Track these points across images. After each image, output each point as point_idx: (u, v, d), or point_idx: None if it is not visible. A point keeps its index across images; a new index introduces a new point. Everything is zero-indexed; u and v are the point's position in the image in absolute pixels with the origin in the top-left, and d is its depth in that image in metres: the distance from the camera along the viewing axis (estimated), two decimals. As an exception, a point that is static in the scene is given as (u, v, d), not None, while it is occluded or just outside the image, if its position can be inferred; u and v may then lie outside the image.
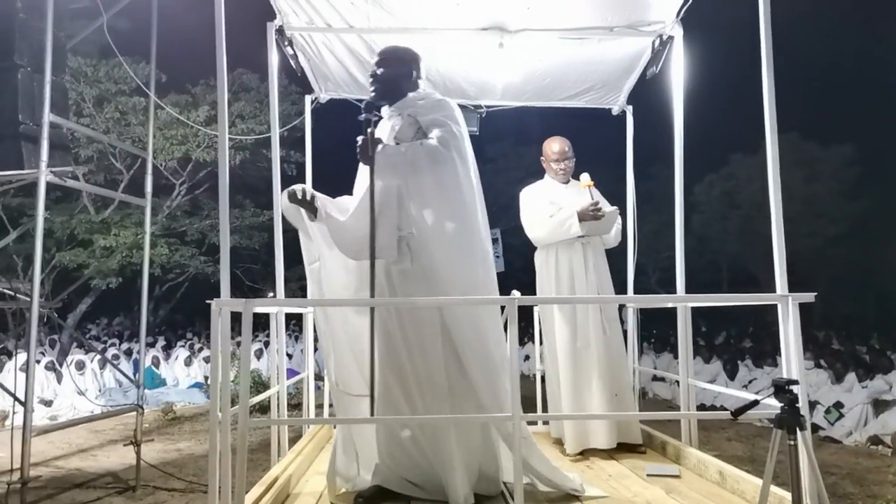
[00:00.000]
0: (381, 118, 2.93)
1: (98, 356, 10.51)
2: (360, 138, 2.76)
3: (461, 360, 2.68)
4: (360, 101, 3.59)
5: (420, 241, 2.69)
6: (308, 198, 2.75)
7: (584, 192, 3.86)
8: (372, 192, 2.66)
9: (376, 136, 2.76)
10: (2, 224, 10.61)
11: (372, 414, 2.66)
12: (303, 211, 2.80)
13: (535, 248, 4.03)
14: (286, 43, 3.92)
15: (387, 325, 2.73)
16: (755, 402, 2.29)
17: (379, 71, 2.93)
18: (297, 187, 2.79)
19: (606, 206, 3.91)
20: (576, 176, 3.99)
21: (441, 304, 2.69)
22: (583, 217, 3.71)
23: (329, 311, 2.88)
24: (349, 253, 2.76)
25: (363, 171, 2.86)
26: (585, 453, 3.68)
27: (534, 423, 4.45)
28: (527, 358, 12.09)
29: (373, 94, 2.92)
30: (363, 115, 2.76)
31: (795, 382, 2.17)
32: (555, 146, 4.00)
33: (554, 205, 3.87)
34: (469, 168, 2.82)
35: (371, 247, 2.65)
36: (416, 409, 2.71)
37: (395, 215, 2.73)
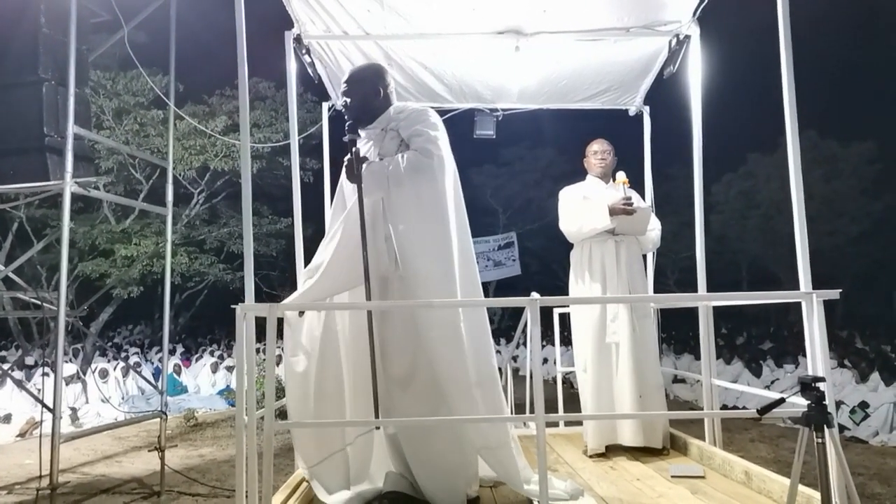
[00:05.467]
0: (359, 137, 2.97)
1: (121, 364, 10.65)
2: (346, 158, 2.81)
3: (432, 368, 2.68)
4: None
5: (399, 250, 2.72)
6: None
7: (620, 191, 3.89)
8: (361, 210, 2.71)
9: (362, 154, 2.84)
10: (27, 235, 10.91)
11: (377, 417, 2.68)
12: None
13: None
14: (304, 51, 3.97)
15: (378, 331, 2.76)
16: (781, 401, 2.27)
17: (347, 100, 2.97)
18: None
19: (640, 204, 3.94)
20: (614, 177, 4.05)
21: (461, 306, 2.72)
22: (613, 211, 3.75)
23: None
24: (344, 287, 2.87)
25: (346, 189, 2.94)
26: (609, 454, 3.68)
27: (555, 424, 4.45)
28: (545, 361, 12.04)
29: (348, 122, 2.93)
30: (347, 137, 2.83)
31: (822, 380, 2.15)
32: (594, 144, 4.13)
33: (588, 199, 3.94)
34: (448, 174, 2.85)
35: (364, 259, 2.68)
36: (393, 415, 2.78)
37: (382, 228, 2.78)
